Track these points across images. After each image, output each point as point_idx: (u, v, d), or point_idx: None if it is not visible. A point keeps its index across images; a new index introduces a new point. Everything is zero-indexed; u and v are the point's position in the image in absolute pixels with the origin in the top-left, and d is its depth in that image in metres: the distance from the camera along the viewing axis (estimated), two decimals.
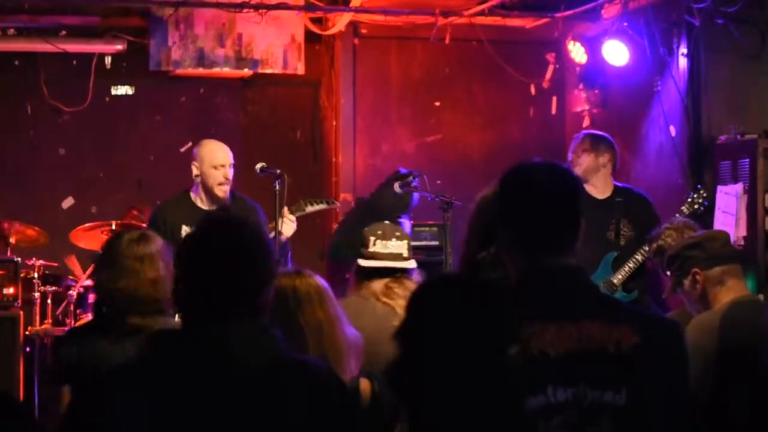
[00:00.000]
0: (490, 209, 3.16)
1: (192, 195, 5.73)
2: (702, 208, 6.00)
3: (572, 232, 2.46)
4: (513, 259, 2.48)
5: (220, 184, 5.62)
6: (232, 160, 5.69)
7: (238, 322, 2.30)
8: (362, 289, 4.21)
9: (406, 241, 4.26)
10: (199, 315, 2.33)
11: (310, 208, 5.81)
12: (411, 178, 6.46)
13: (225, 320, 2.30)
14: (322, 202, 5.93)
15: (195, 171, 5.69)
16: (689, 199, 6.04)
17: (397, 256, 4.20)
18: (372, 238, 4.23)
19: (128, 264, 3.58)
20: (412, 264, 4.24)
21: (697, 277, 3.61)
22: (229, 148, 5.79)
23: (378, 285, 4.14)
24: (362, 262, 4.20)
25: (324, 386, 2.37)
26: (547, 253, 2.43)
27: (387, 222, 4.43)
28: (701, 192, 6.05)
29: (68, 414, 2.38)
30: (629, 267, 5.98)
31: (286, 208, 5.63)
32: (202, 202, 5.69)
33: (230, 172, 5.65)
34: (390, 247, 4.19)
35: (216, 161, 5.64)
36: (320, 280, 3.46)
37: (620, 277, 5.99)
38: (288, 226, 5.60)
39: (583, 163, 6.25)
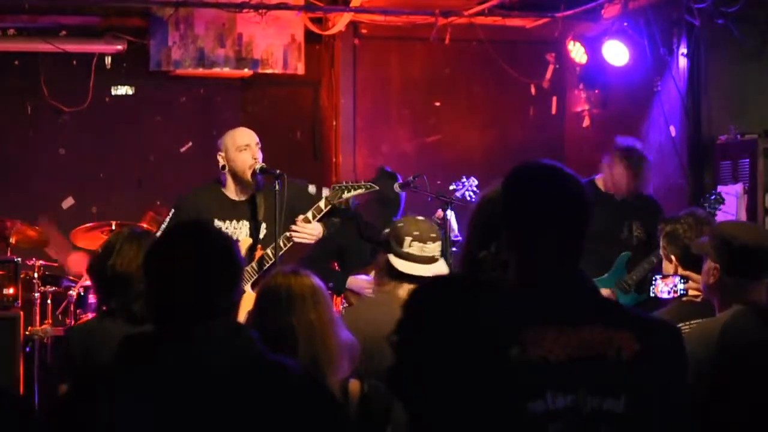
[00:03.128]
0: (491, 209, 3.15)
1: (221, 187, 5.48)
2: (716, 212, 5.97)
3: (576, 235, 2.42)
4: (515, 261, 2.45)
5: (250, 167, 5.34)
6: (257, 140, 5.44)
7: (208, 322, 2.33)
8: (386, 286, 4.07)
9: (439, 242, 4.13)
10: (169, 317, 2.35)
11: (347, 194, 5.50)
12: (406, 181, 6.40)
13: (195, 321, 2.32)
14: (359, 187, 5.54)
15: (221, 161, 5.41)
16: (709, 201, 5.97)
17: (430, 259, 4.05)
18: (408, 238, 4.04)
19: None
20: (442, 266, 4.11)
21: (714, 271, 3.59)
22: (252, 132, 5.53)
23: (404, 292, 3.93)
24: (394, 261, 4.03)
25: (300, 387, 2.36)
26: (549, 256, 2.39)
27: (422, 218, 4.26)
28: (720, 197, 5.99)
29: (53, 415, 2.38)
30: (644, 268, 5.93)
31: (308, 214, 5.40)
32: (231, 194, 5.45)
33: (258, 154, 5.39)
34: (425, 250, 4.03)
35: (240, 142, 5.39)
36: (316, 281, 3.42)
37: (635, 277, 5.98)
38: (310, 229, 5.37)
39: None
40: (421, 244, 4.04)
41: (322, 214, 5.44)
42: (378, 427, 3.51)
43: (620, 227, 6.10)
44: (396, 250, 4.05)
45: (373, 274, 6.11)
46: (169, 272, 2.36)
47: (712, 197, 6.00)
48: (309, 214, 5.41)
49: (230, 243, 2.45)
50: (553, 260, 2.39)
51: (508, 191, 2.46)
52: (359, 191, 5.56)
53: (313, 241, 5.40)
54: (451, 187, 6.42)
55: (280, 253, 5.34)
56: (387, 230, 4.21)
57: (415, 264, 4.03)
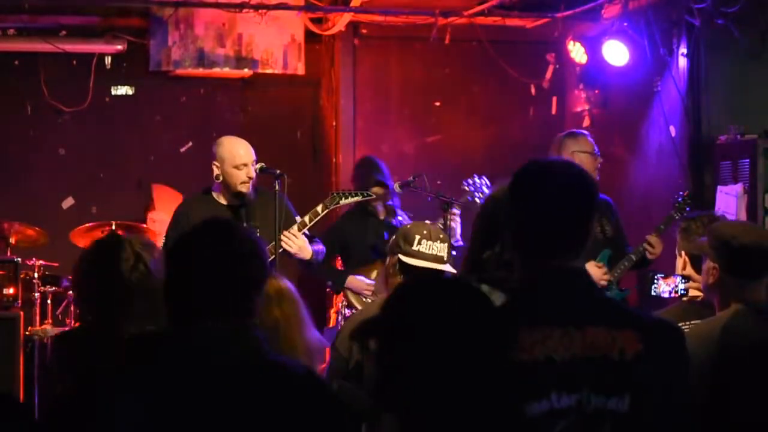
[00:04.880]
0: (495, 208, 3.16)
1: (214, 194, 5.53)
2: (686, 212, 6.00)
3: (582, 235, 2.42)
4: (520, 260, 2.45)
5: (243, 183, 5.40)
6: (254, 157, 5.48)
7: (219, 323, 2.32)
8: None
9: (447, 244, 4.25)
10: (184, 316, 2.35)
11: (344, 201, 5.65)
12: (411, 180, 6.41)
13: (207, 321, 2.32)
14: (356, 195, 5.74)
15: (216, 171, 5.44)
16: (678, 202, 6.02)
17: (439, 259, 4.18)
18: (417, 237, 4.18)
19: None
20: (450, 268, 4.21)
21: (713, 271, 3.60)
22: (249, 145, 5.57)
23: None
24: (405, 259, 4.16)
25: (302, 388, 2.35)
26: (554, 256, 2.38)
27: (428, 222, 4.40)
28: (686, 198, 6.03)
29: (55, 415, 2.38)
30: (624, 265, 5.99)
31: (305, 218, 5.49)
32: (225, 200, 5.51)
33: (253, 171, 5.43)
34: (434, 248, 4.16)
35: (238, 160, 5.42)
36: (285, 283, 3.47)
37: (616, 274, 6.01)
38: (299, 240, 5.46)
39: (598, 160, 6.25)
40: (430, 242, 4.16)
41: (318, 218, 5.49)
42: (351, 427, 3.52)
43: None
44: (405, 250, 4.17)
45: (375, 274, 6.14)
46: (185, 271, 2.36)
47: (680, 199, 6.02)
48: (306, 218, 5.45)
49: (252, 243, 2.43)
50: (557, 260, 2.39)
51: (514, 189, 2.46)
52: (356, 198, 5.74)
53: (294, 252, 5.44)
54: (464, 187, 6.36)
55: (271, 258, 5.33)
56: (393, 237, 4.34)
57: (425, 261, 4.12)
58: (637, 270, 6.11)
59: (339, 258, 6.53)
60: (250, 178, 5.42)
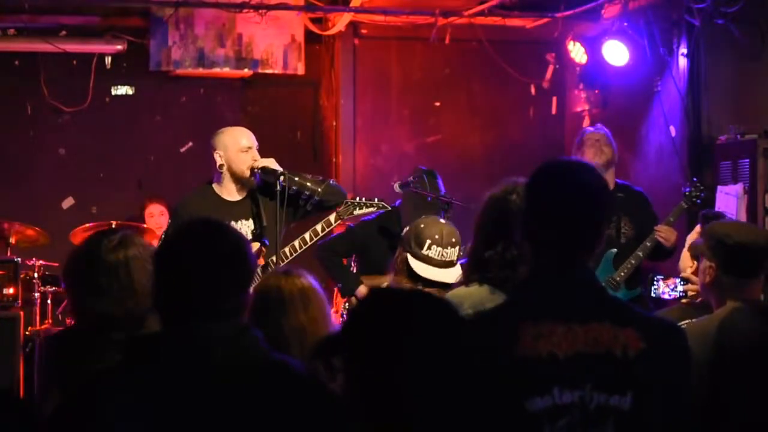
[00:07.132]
0: (497, 208, 3.16)
1: (215, 187, 5.40)
2: (699, 200, 5.98)
3: (594, 235, 2.45)
4: (530, 256, 2.47)
5: (248, 167, 5.30)
6: (256, 144, 5.41)
7: (216, 323, 2.32)
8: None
9: (458, 247, 4.15)
10: (178, 317, 2.34)
11: (358, 211, 5.50)
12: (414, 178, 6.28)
13: (204, 322, 2.31)
14: (372, 205, 5.54)
15: (219, 160, 5.34)
16: (686, 192, 6.02)
17: (449, 264, 4.08)
18: (428, 241, 4.08)
19: (103, 280, 3.02)
20: (457, 271, 4.05)
21: (710, 270, 3.60)
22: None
23: None
24: (412, 262, 4.08)
25: (303, 388, 2.35)
26: (565, 254, 2.42)
27: (443, 221, 4.27)
28: (698, 185, 6.03)
29: (55, 416, 2.38)
30: (631, 264, 5.93)
31: (317, 227, 5.41)
32: (228, 194, 5.37)
33: (257, 155, 5.37)
34: (444, 254, 4.07)
35: (244, 144, 5.35)
36: (309, 280, 3.37)
37: (623, 274, 5.95)
38: None
39: (608, 153, 6.18)
40: (441, 249, 4.07)
41: (331, 228, 5.43)
42: (352, 426, 3.49)
43: (607, 225, 6.04)
44: (415, 252, 4.08)
45: (386, 284, 6.02)
46: (178, 272, 2.35)
47: (691, 188, 5.99)
48: (318, 227, 5.39)
49: (242, 243, 2.42)
50: (567, 258, 2.41)
51: (529, 187, 2.51)
52: (371, 209, 5.55)
53: None
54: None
55: (288, 260, 5.29)
56: (407, 228, 4.23)
57: (433, 268, 4.06)
58: (654, 261, 6.05)
59: (354, 259, 6.38)
60: (254, 160, 5.34)
